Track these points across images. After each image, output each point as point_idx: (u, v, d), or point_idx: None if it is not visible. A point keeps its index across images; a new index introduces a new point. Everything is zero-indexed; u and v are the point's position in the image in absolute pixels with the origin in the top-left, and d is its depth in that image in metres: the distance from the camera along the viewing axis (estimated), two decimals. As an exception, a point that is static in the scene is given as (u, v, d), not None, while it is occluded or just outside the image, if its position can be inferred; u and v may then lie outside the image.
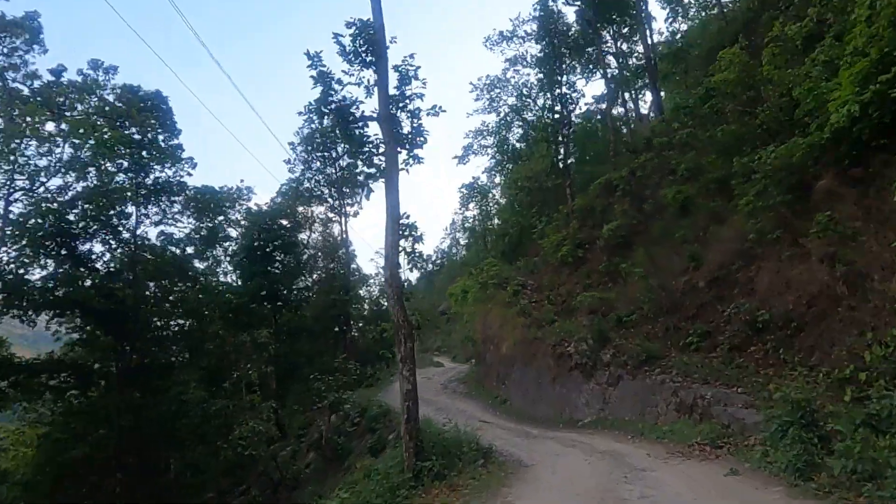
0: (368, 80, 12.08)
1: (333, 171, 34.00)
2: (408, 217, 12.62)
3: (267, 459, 15.88)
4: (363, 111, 12.14)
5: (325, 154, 32.92)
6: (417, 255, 40.13)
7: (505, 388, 23.90)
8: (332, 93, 11.94)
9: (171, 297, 23.52)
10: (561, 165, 31.45)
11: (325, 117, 13.08)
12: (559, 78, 33.05)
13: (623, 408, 15.77)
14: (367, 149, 12.11)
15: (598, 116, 49.24)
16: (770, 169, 14.55)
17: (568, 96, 32.93)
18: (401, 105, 11.90)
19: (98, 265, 20.70)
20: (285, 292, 27.30)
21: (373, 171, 12.51)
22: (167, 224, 23.41)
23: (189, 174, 23.49)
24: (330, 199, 35.03)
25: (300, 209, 36.99)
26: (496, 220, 45.80)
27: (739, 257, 16.15)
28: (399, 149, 11.71)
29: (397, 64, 12.51)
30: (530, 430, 17.38)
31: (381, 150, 11.89)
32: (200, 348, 23.90)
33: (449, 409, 23.07)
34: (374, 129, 12.67)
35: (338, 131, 13.36)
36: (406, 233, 12.55)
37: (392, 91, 11.97)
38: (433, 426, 13.59)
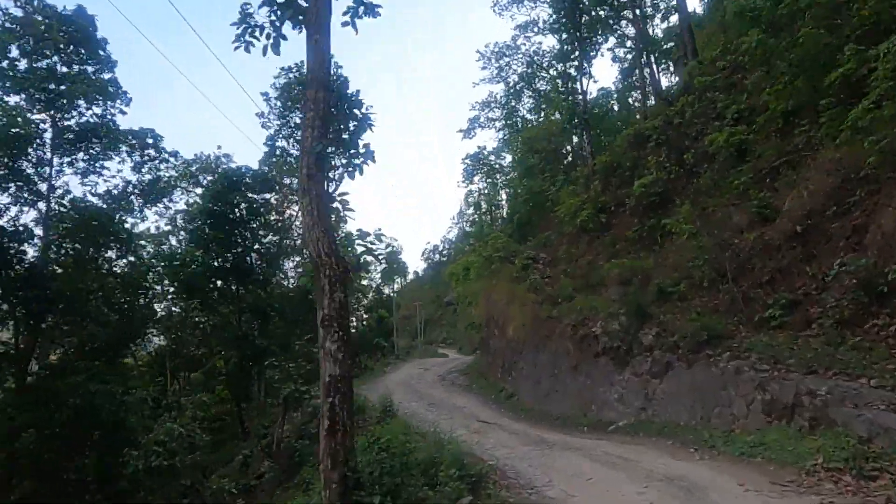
0: None
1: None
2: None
3: (191, 471, 11.89)
4: None
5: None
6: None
7: (512, 380, 19.59)
8: None
9: (99, 263, 19.50)
10: (577, 121, 26.84)
11: None
12: (579, 32, 28.42)
13: (675, 407, 11.40)
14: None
15: (615, 94, 44.60)
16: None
17: (588, 42, 28.34)
18: None
19: (2, 222, 16.67)
20: (254, 266, 23.12)
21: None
22: (97, 175, 19.40)
23: (122, 112, 19.45)
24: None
25: (286, 181, 32.70)
26: (504, 196, 41.35)
27: (835, 201, 11.67)
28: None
29: None
30: (545, 434, 13.08)
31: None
32: (138, 327, 19.95)
33: (443, 404, 18.82)
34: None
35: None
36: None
37: None
38: (402, 435, 9.31)
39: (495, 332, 23.14)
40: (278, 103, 27.64)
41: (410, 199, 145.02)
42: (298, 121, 30.11)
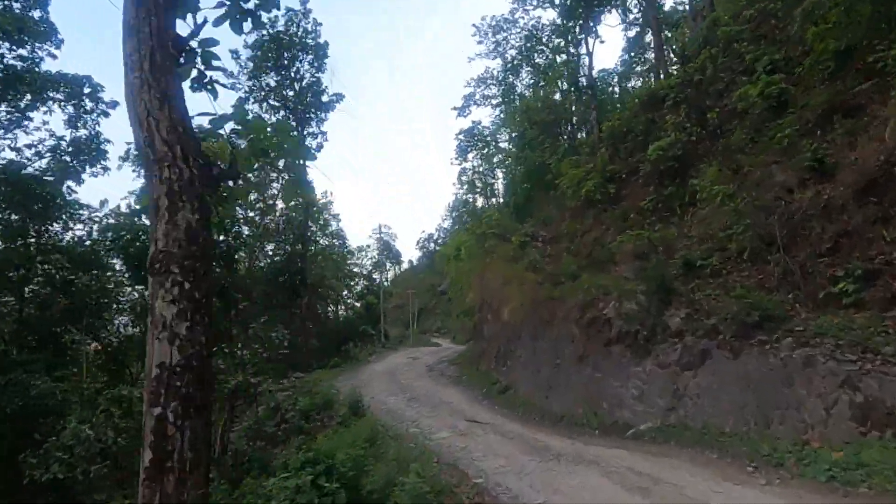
0: None
1: (292, 91, 26.74)
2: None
3: (101, 484, 9.41)
4: None
5: (282, 71, 25.71)
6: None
7: (507, 371, 17.09)
8: None
9: (39, 237, 16.75)
10: (583, 83, 24.16)
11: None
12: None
13: (717, 407, 8.89)
14: None
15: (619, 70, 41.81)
16: None
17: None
18: None
19: None
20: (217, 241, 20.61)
21: None
22: (22, 130, 16.55)
23: (52, 56, 16.51)
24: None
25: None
26: (500, 176, 38.61)
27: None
28: None
29: None
30: (547, 439, 10.58)
31: None
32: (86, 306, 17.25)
33: (428, 399, 16.33)
34: None
35: None
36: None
37: None
38: (361, 448, 6.74)
39: (488, 317, 20.64)
40: (250, 63, 24.82)
41: (404, 186, 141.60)
42: (273, 83, 27.55)
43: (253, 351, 13.52)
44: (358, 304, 45.59)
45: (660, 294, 11.14)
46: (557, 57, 36.40)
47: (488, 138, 38.36)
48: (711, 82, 17.87)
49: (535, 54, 41.75)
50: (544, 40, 39.38)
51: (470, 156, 39.25)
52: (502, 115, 45.28)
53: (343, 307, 45.08)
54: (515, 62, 42.75)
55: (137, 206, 14.72)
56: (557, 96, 35.30)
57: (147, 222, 15.37)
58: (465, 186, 38.88)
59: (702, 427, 8.84)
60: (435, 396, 16.57)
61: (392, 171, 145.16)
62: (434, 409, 14.67)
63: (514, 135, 38.60)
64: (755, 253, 10.80)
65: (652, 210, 16.63)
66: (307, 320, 24.69)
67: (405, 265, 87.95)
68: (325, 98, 27.46)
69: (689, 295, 10.88)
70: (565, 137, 26.88)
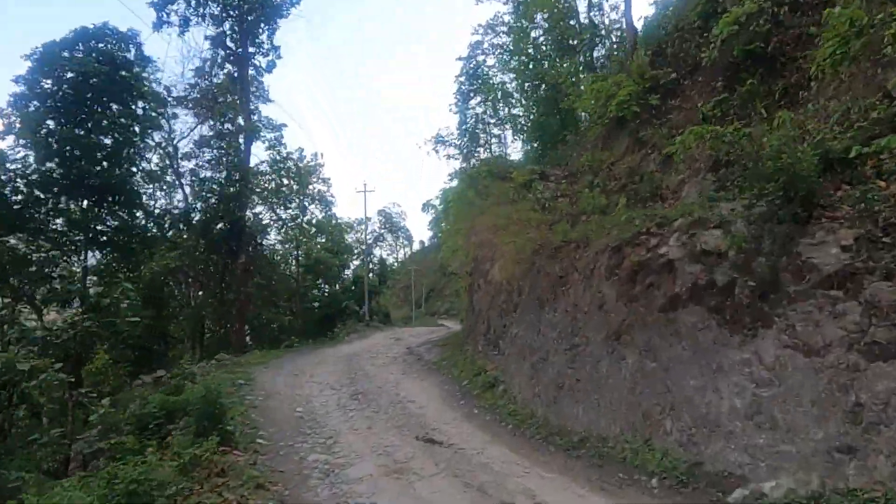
0: None
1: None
2: None
3: None
4: None
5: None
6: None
7: (497, 358, 11.61)
8: None
9: None
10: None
11: None
12: None
13: None
14: None
15: None
16: None
17: None
18: None
19: None
20: (118, 181, 15.24)
21: None
22: None
23: None
24: (229, 39, 22.04)
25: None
26: (509, 132, 32.47)
27: None
28: None
29: None
30: (555, 495, 5.09)
31: None
32: None
33: (380, 396, 10.94)
34: None
35: None
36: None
37: None
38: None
39: (480, 282, 15.13)
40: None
41: (415, 165, 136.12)
42: (217, 10, 21.87)
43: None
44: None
45: (791, 208, 5.52)
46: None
47: (494, 82, 32.28)
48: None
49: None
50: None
51: (473, 102, 33.29)
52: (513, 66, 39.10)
53: (339, 285, 39.94)
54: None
55: None
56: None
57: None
58: (467, 137, 32.87)
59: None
60: (391, 392, 11.16)
61: (404, 151, 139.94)
62: (378, 415, 9.28)
63: (526, 85, 32.36)
64: None
65: (720, 116, 10.87)
66: (244, 287, 19.35)
67: (416, 245, 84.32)
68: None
69: (858, 203, 5.25)
70: (584, 39, 20.86)
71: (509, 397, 9.59)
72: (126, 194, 14.02)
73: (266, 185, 28.42)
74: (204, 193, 19.02)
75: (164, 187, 22.88)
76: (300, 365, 14.79)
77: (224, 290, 19.38)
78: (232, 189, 19.02)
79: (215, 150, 20.52)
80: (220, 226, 18.79)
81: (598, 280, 8.15)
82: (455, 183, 23.15)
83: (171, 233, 17.16)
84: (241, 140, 20.90)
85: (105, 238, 14.69)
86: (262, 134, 23.53)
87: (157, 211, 14.84)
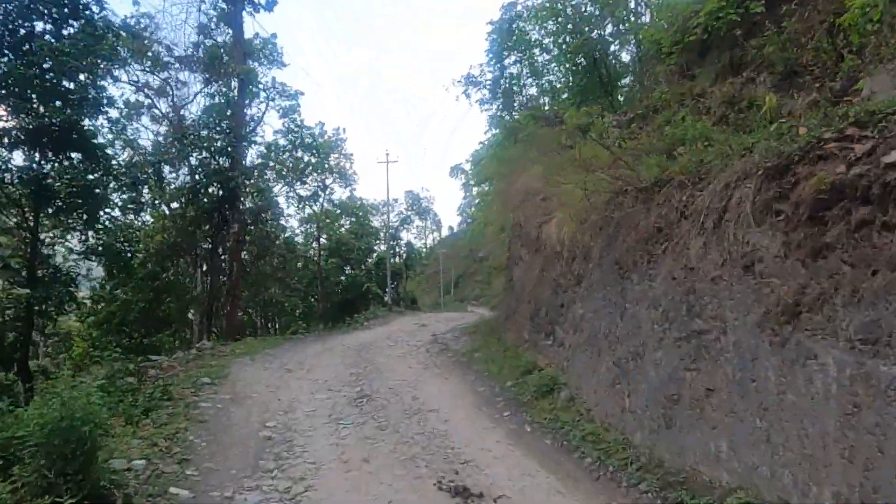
0: None
1: None
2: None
3: None
4: None
5: None
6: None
7: (554, 349, 8.47)
8: None
9: None
10: None
11: None
12: None
13: None
14: None
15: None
16: None
17: None
18: None
19: None
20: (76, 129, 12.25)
21: None
22: None
23: None
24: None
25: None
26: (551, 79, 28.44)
27: None
28: None
29: None
30: None
31: None
32: None
33: (390, 402, 7.90)
34: None
35: None
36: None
37: None
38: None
39: (522, 252, 11.95)
40: None
41: (448, 151, 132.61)
42: None
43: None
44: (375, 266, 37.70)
45: None
46: None
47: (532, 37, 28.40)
48: None
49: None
50: None
51: (508, 61, 29.60)
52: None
53: (363, 267, 37.28)
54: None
55: None
56: None
57: None
58: (500, 98, 29.19)
59: None
60: (406, 396, 8.14)
61: (435, 134, 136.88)
62: (383, 434, 6.29)
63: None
64: None
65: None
66: (236, 261, 16.48)
67: (445, 231, 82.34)
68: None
69: None
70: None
71: (579, 410, 6.46)
72: (84, 145, 11.31)
73: (281, 158, 25.83)
74: (185, 146, 16.05)
75: (171, 161, 20.37)
76: (298, 356, 11.94)
77: (215, 266, 16.70)
78: (220, 142, 16.08)
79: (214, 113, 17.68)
80: (210, 191, 16.04)
81: (738, 226, 4.91)
82: (491, 135, 20.06)
83: (136, 194, 14.35)
84: (233, 84, 17.89)
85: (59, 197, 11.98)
86: (266, 91, 20.61)
87: (116, 164, 12.15)
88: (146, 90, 22.51)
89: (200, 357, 11.09)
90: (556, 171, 9.89)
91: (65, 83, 11.78)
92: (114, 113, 12.36)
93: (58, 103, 11.48)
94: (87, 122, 11.82)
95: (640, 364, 5.74)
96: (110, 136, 15.37)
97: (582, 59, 21.78)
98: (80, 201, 11.61)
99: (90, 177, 11.71)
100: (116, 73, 19.61)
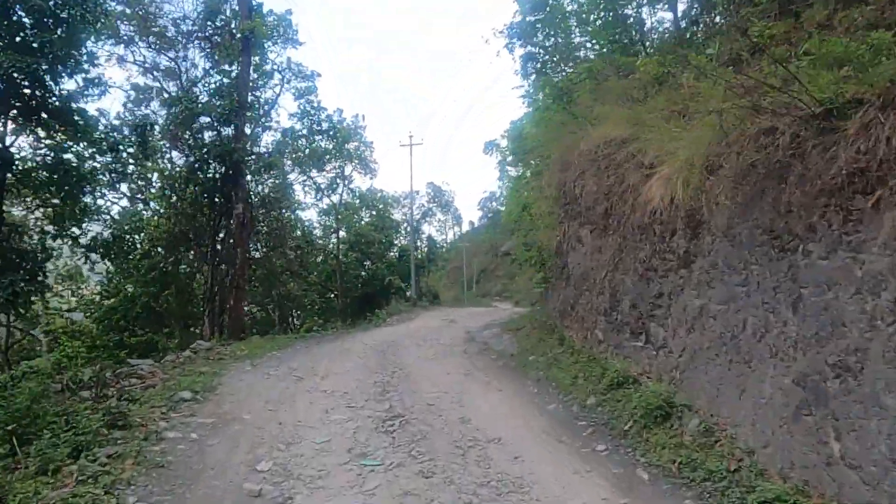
0: None
1: None
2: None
3: None
4: None
5: None
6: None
7: (648, 354, 6.25)
8: None
9: None
10: None
11: None
12: None
13: None
14: None
15: None
16: None
17: None
18: None
19: None
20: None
21: None
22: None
23: None
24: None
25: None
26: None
27: None
28: None
29: None
30: None
31: None
32: None
33: (435, 432, 5.71)
34: None
35: None
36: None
37: None
38: None
39: (582, 234, 9.73)
40: None
41: (469, 145, 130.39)
42: None
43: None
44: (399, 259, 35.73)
45: None
46: None
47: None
48: None
49: None
50: None
51: (541, 35, 27.17)
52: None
53: (384, 261, 35.39)
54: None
55: None
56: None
57: None
58: (533, 76, 26.84)
59: None
60: (452, 417, 6.02)
61: (457, 128, 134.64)
62: (428, 482, 4.19)
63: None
64: None
65: None
66: (241, 248, 14.38)
67: (465, 226, 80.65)
68: None
69: None
70: None
71: (730, 451, 4.25)
72: (61, 111, 9.49)
73: (296, 144, 24.04)
74: (179, 114, 13.96)
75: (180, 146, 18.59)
76: (311, 359, 9.89)
77: (218, 254, 14.71)
78: (220, 108, 14.00)
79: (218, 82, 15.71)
80: (213, 168, 14.02)
81: None
82: (527, 108, 18.04)
83: (119, 163, 12.33)
84: (236, 39, 15.72)
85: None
86: (280, 73, 18.63)
87: (100, 136, 10.24)
88: (154, 73, 20.84)
89: (192, 361, 9.12)
90: (637, 120, 7.67)
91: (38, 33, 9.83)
92: (95, 72, 10.35)
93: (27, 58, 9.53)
94: (66, 80, 9.89)
95: (852, 385, 3.52)
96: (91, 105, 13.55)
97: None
98: (54, 176, 9.74)
99: (69, 152, 9.83)
100: (123, 53, 17.86)
